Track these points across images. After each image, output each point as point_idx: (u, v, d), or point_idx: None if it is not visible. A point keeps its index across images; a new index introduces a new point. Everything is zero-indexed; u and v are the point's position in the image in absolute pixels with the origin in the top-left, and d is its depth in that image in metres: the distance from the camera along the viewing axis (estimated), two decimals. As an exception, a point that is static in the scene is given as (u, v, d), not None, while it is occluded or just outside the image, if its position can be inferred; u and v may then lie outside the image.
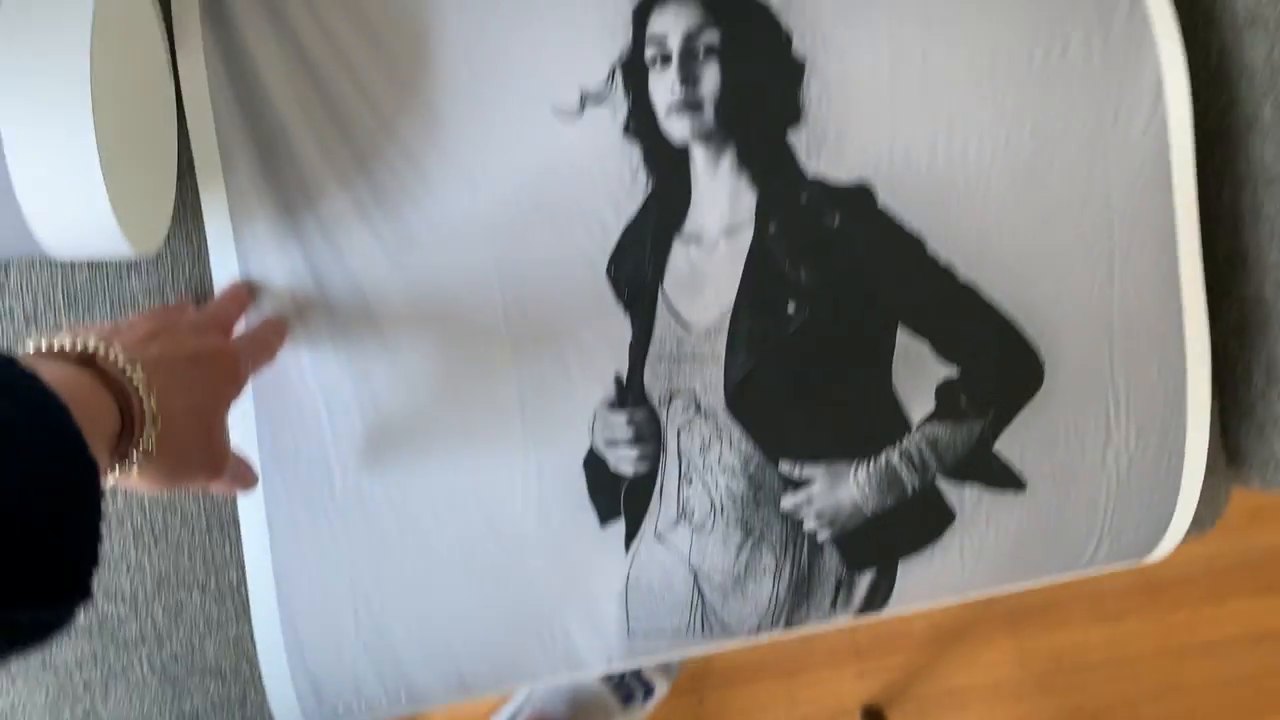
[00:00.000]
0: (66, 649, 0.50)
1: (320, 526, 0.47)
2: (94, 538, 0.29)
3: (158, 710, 0.51)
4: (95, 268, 0.48)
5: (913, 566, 0.52)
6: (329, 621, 0.48)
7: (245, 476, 0.44)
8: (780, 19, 0.50)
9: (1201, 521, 0.55)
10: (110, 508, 0.49)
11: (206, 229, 0.47)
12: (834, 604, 0.52)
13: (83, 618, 0.50)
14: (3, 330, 0.48)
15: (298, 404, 0.47)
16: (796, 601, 0.51)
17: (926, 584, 0.52)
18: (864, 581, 0.52)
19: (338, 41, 0.47)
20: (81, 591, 0.28)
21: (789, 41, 0.49)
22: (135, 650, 0.50)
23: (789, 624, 0.52)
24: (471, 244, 0.47)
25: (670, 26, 0.49)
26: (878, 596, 0.52)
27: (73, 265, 0.48)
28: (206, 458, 0.39)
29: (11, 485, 0.26)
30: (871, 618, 0.54)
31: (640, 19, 0.49)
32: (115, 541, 0.49)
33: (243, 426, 0.47)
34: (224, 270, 0.47)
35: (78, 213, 0.39)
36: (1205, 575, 1.07)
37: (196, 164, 0.47)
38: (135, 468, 0.34)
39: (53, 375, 0.31)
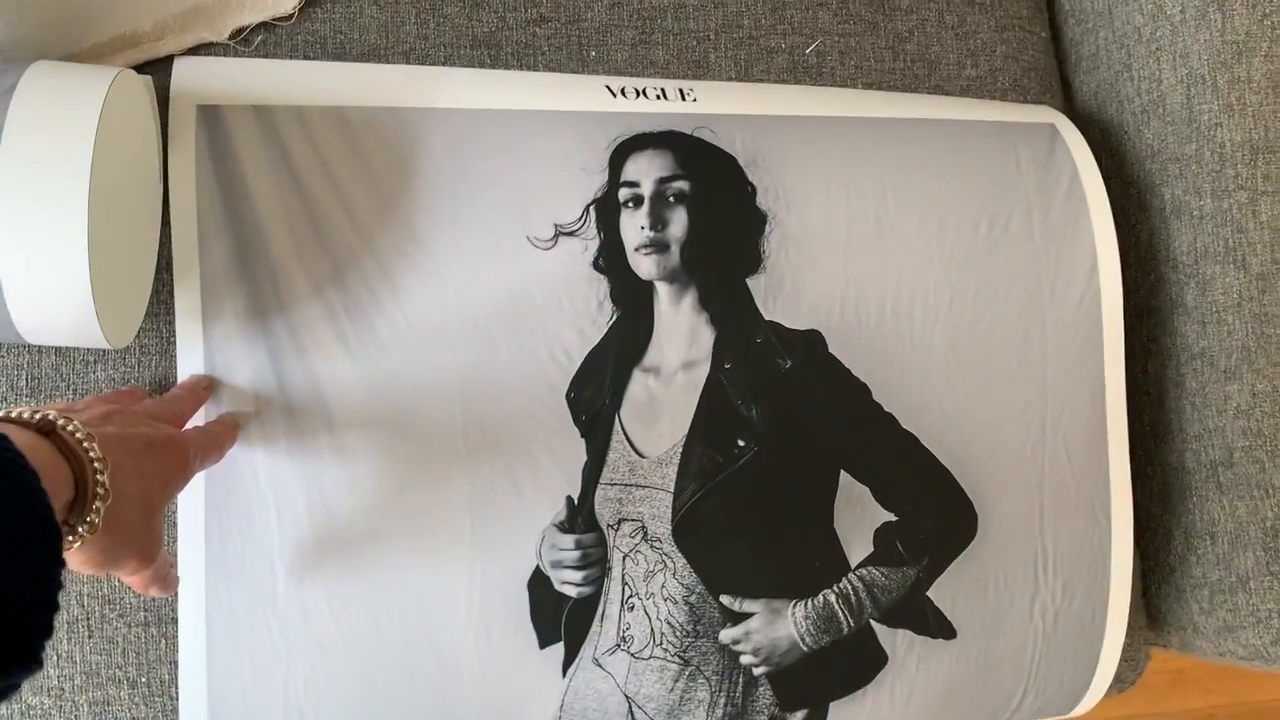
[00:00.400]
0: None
1: (259, 630, 0.47)
2: (52, 606, 0.29)
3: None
4: (62, 355, 0.49)
5: (844, 707, 0.52)
6: (256, 728, 0.47)
7: (169, 578, 0.43)
8: (747, 173, 0.53)
9: (1122, 680, 0.57)
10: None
11: (176, 324, 0.48)
12: (763, 742, 0.52)
13: (3, 708, 0.48)
14: None
15: (247, 504, 0.47)
16: (726, 737, 0.51)
17: (856, 726, 0.53)
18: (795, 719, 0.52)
19: (325, 156, 0.49)
20: (33, 661, 0.28)
21: (754, 194, 0.53)
22: (53, 748, 0.48)
23: (716, 760, 0.52)
24: (436, 357, 0.49)
25: (644, 173, 0.52)
26: (807, 737, 0.53)
27: (40, 352, 0.48)
28: (144, 543, 0.39)
29: None
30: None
31: (616, 162, 0.52)
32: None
33: (191, 523, 0.47)
34: (189, 364, 0.47)
35: (59, 304, 0.40)
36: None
37: (175, 260, 0.48)
38: (78, 542, 0.35)
39: (15, 439, 0.32)
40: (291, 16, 0.53)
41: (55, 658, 0.48)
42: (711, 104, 0.54)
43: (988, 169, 0.56)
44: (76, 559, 0.36)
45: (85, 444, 0.35)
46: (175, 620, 0.47)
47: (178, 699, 0.47)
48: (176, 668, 0.47)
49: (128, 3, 0.50)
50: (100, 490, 0.35)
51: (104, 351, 0.49)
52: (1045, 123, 0.59)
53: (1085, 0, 0.64)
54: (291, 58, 0.53)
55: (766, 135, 0.54)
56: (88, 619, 0.49)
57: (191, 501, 0.47)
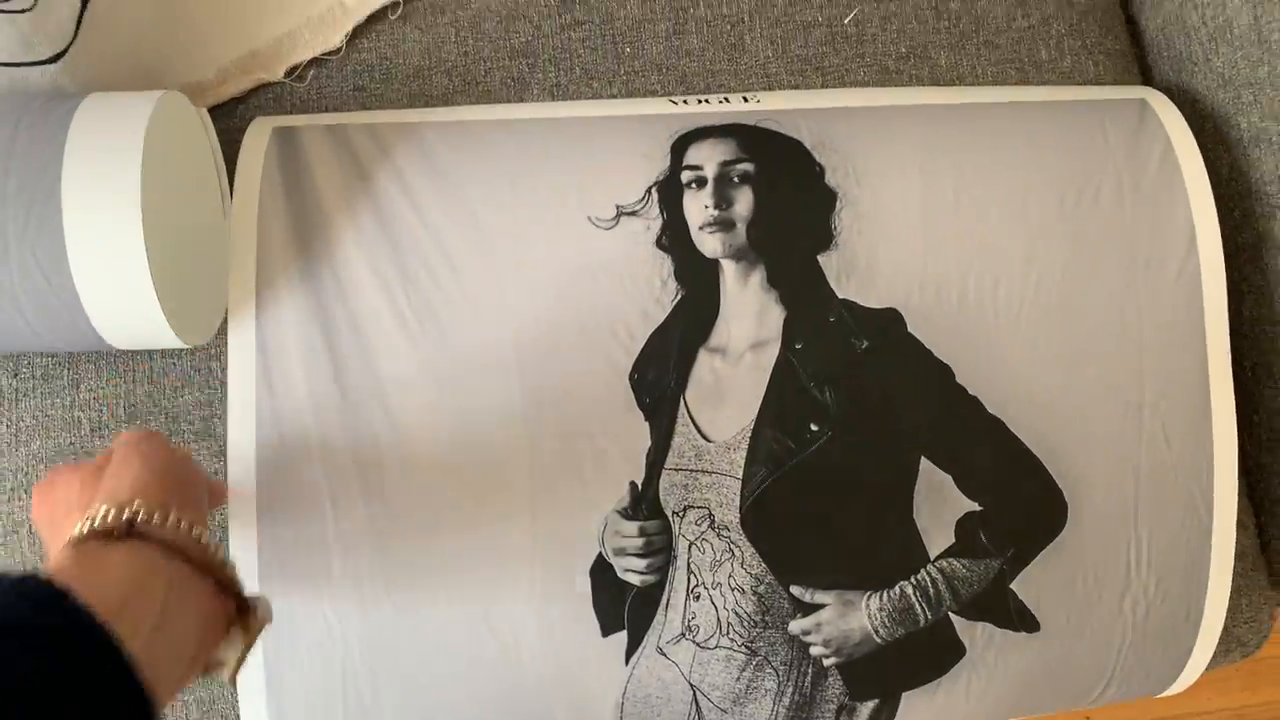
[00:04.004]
0: None
1: (315, 618, 0.46)
2: None
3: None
4: (153, 381, 0.51)
5: (916, 699, 0.50)
6: (317, 712, 0.47)
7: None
8: (814, 154, 0.50)
9: (1245, 644, 0.54)
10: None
11: (229, 308, 0.48)
12: (832, 732, 0.50)
13: None
14: (71, 440, 0.51)
15: (300, 490, 0.46)
16: (794, 727, 0.50)
17: (928, 717, 0.51)
18: (865, 710, 0.50)
19: (391, 156, 0.49)
20: None
21: (821, 173, 0.50)
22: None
23: (784, 750, 0.51)
24: (496, 338, 0.47)
25: (706, 157, 0.50)
26: (878, 728, 0.51)
27: (133, 380, 0.51)
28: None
29: None
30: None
31: (679, 149, 0.50)
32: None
33: (244, 511, 0.46)
34: (240, 343, 0.47)
35: (131, 308, 0.43)
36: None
37: (232, 252, 0.48)
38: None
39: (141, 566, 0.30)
40: (339, 50, 0.55)
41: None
42: (775, 103, 0.53)
43: (1073, 143, 0.52)
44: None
45: (215, 555, 0.33)
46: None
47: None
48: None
49: (192, 55, 0.53)
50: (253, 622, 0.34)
51: (192, 374, 0.51)
52: (1135, 98, 0.54)
53: None
54: (342, 88, 0.55)
55: (833, 123, 0.52)
56: None
57: (242, 489, 0.46)
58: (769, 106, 0.53)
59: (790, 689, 0.49)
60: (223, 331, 0.49)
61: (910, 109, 0.53)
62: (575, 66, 0.56)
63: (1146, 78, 0.62)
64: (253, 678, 0.46)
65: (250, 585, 0.46)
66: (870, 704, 0.50)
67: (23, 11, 0.46)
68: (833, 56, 0.57)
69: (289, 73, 0.55)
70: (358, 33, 0.55)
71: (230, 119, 0.53)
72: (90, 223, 0.42)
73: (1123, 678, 0.52)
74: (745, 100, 0.54)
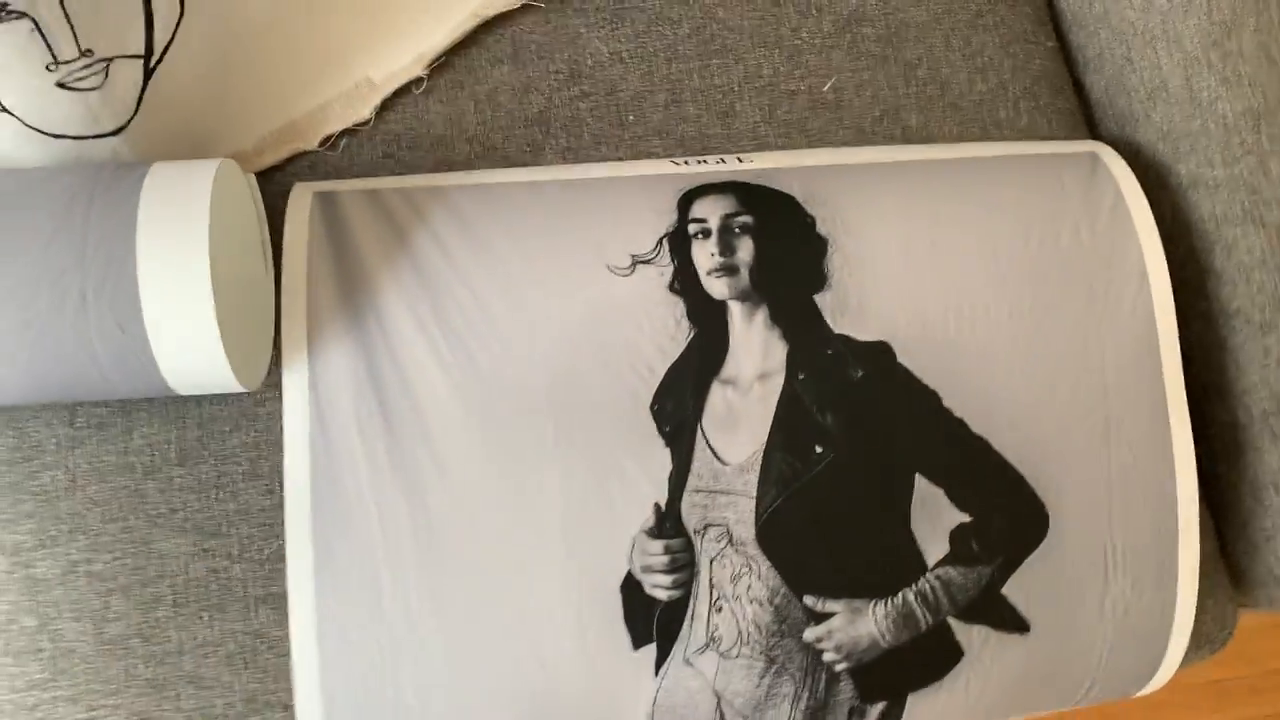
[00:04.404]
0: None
1: (368, 638, 0.50)
2: None
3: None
4: (203, 427, 0.55)
5: (921, 700, 0.54)
6: (370, 726, 0.50)
7: None
8: (805, 206, 0.56)
9: (1213, 641, 0.59)
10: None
11: (283, 351, 0.52)
12: (844, 734, 0.54)
13: None
14: (125, 484, 0.54)
15: (350, 517, 0.50)
16: (809, 731, 0.54)
17: (932, 717, 0.55)
18: (874, 712, 0.54)
19: (426, 217, 0.54)
20: None
21: (813, 223, 0.56)
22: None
23: (799, 754, 0.55)
24: (527, 378, 0.52)
25: (709, 211, 0.55)
26: (887, 729, 0.55)
27: (184, 427, 0.55)
28: None
29: None
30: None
31: (684, 205, 0.56)
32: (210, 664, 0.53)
33: (299, 539, 0.50)
34: (294, 384, 0.51)
35: (196, 355, 0.47)
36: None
37: (283, 303, 0.52)
38: None
39: None
40: (369, 121, 0.60)
41: (218, 687, 0.53)
42: (766, 163, 0.59)
43: (1034, 192, 0.58)
44: None
45: None
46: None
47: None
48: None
49: (235, 127, 0.58)
50: None
51: (239, 419, 0.55)
52: (1087, 151, 0.61)
53: (1084, 5, 0.67)
54: (372, 155, 0.60)
55: (820, 178, 0.58)
56: (242, 652, 0.54)
57: (299, 517, 0.50)
58: (761, 165, 0.59)
59: (806, 694, 0.53)
60: (268, 381, 0.54)
61: (888, 165, 0.60)
62: (584, 133, 0.62)
63: (1094, 133, 0.69)
64: (308, 695, 0.50)
65: (307, 610, 0.50)
66: (879, 706, 0.54)
67: (92, 90, 0.50)
68: (814, 120, 0.64)
69: (323, 142, 0.60)
70: (385, 105, 0.61)
71: (269, 184, 0.58)
72: (162, 276, 0.46)
73: (1107, 674, 0.57)
74: (740, 160, 0.59)
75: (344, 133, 0.60)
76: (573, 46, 0.63)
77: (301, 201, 0.55)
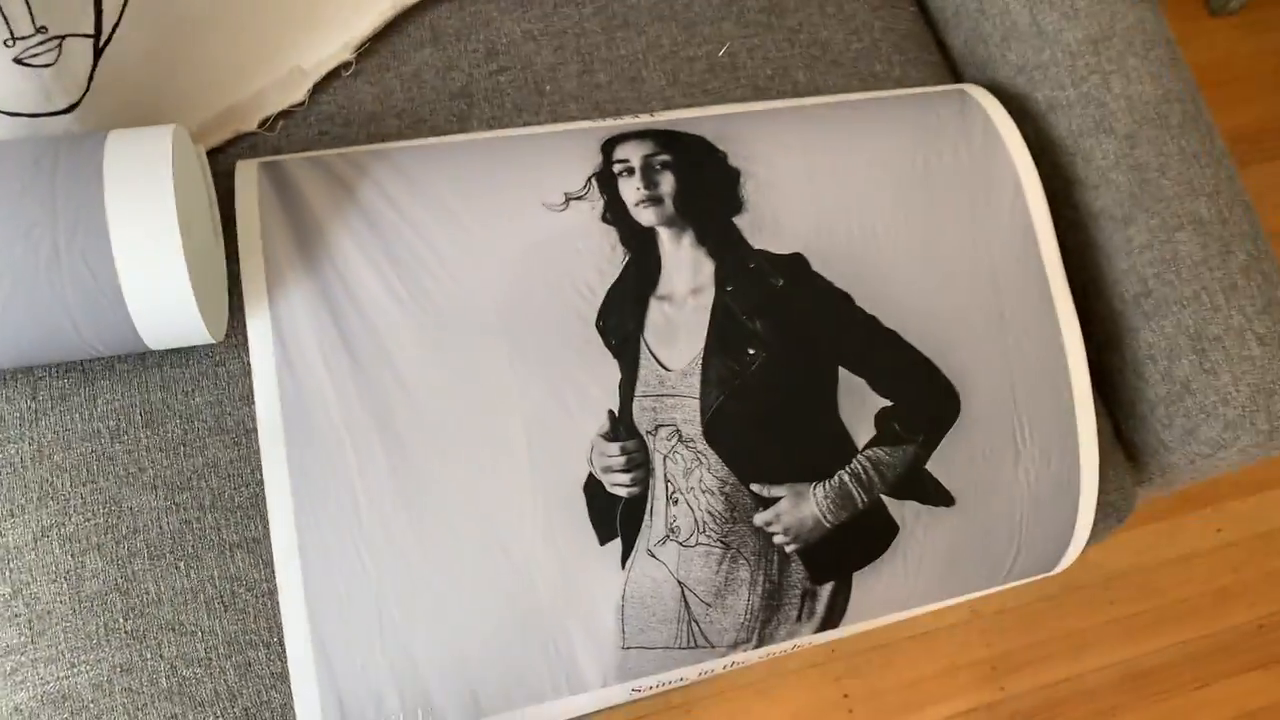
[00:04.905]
0: (152, 713, 0.54)
1: (349, 552, 0.52)
2: None
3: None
4: (165, 389, 0.58)
5: (865, 578, 0.59)
6: (356, 640, 0.52)
7: None
8: (716, 145, 0.62)
9: (1120, 511, 0.65)
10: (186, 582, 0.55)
11: (245, 300, 0.55)
12: (799, 615, 0.59)
13: (161, 677, 0.54)
14: (93, 449, 0.56)
15: (326, 445, 0.53)
16: (768, 615, 0.58)
17: (878, 595, 0.60)
18: (825, 591, 0.59)
19: (370, 171, 0.58)
20: None
21: (725, 157, 0.62)
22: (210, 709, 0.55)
23: (760, 639, 0.58)
24: (480, 306, 0.56)
25: (631, 153, 0.61)
26: (836, 608, 0.59)
27: (147, 390, 0.57)
28: None
29: None
30: (830, 635, 0.61)
31: (608, 150, 0.61)
32: (189, 610, 0.55)
33: (276, 467, 0.53)
34: (258, 328, 0.54)
35: (170, 310, 0.51)
36: (1186, 660, 1.17)
37: (241, 256, 0.56)
38: None
39: None
40: (303, 103, 0.65)
41: (199, 632, 0.54)
42: (676, 115, 0.66)
43: (914, 124, 0.66)
44: None
45: None
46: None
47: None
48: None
49: (179, 110, 0.62)
50: None
51: (200, 379, 0.58)
52: (956, 90, 0.69)
53: None
54: (308, 134, 0.65)
55: (727, 123, 0.64)
56: (220, 596, 0.55)
57: (273, 448, 0.53)
58: (672, 117, 0.65)
59: (761, 577, 0.57)
60: (225, 343, 0.57)
61: (786, 110, 0.66)
62: (506, 103, 0.67)
63: (959, 81, 0.77)
64: (294, 612, 0.52)
65: (288, 530, 0.52)
66: (828, 587, 0.59)
67: (46, 66, 0.53)
68: (714, 81, 0.70)
69: (261, 124, 0.64)
70: (318, 88, 0.65)
71: (215, 164, 0.62)
72: (131, 223, 0.49)
73: (1028, 543, 0.63)
74: (651, 116, 0.65)
75: (281, 114, 0.64)
76: (487, 29, 0.69)
77: (248, 171, 0.59)
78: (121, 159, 0.51)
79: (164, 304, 0.51)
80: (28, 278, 0.49)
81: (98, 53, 0.55)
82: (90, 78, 0.56)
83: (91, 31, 0.55)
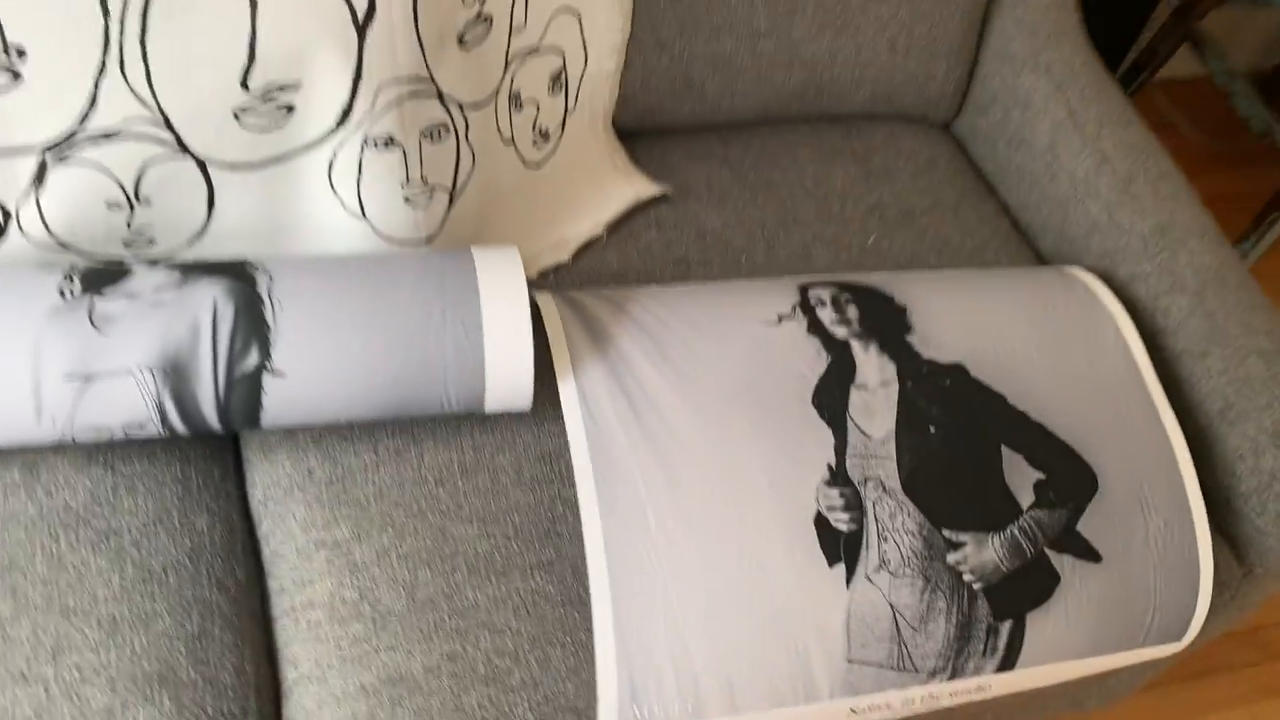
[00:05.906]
0: (472, 694, 0.66)
1: (643, 561, 0.66)
2: None
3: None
4: (477, 450, 0.75)
5: (1036, 620, 0.72)
6: (645, 632, 0.65)
7: None
8: (883, 289, 0.82)
9: (1228, 586, 0.78)
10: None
11: (559, 381, 0.73)
12: (985, 649, 0.70)
13: (482, 669, 0.66)
14: (422, 491, 0.71)
15: (621, 480, 0.69)
16: (960, 645, 0.70)
17: (1046, 638, 0.72)
18: (1005, 629, 0.71)
19: (632, 297, 0.79)
20: None
21: (891, 297, 0.82)
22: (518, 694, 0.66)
23: (954, 671, 0.70)
24: (724, 385, 0.73)
25: (822, 291, 0.81)
26: (1014, 647, 0.71)
27: (462, 448, 0.74)
28: None
29: None
30: (1007, 679, 0.72)
31: (804, 290, 0.81)
32: (500, 613, 0.68)
33: (587, 493, 0.68)
34: (569, 395, 0.71)
35: (514, 384, 0.68)
36: None
37: (553, 350, 0.74)
38: None
39: None
40: (567, 262, 0.88)
41: (508, 631, 0.67)
42: (845, 277, 0.86)
43: (1032, 282, 0.87)
44: None
45: None
46: (584, 601, 0.68)
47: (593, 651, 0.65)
48: (593, 634, 0.65)
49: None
50: None
51: (502, 444, 0.74)
52: (1055, 267, 0.90)
53: (1027, 196, 1.00)
54: (570, 286, 0.84)
55: (889, 278, 0.85)
56: (524, 604, 0.68)
57: (585, 481, 0.68)
58: (843, 278, 0.85)
59: (955, 609, 0.70)
60: (525, 416, 0.73)
61: (932, 274, 0.87)
62: (713, 269, 0.88)
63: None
64: (602, 609, 0.65)
65: (598, 543, 0.67)
66: (1007, 625, 0.71)
67: (420, 208, 0.74)
68: (866, 262, 0.92)
69: (537, 276, 0.84)
70: (577, 255, 0.86)
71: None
72: (496, 296, 0.67)
73: (1162, 607, 0.75)
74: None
75: (550, 270, 0.85)
76: (695, 220, 0.91)
77: (544, 295, 0.78)
78: (487, 256, 0.70)
79: (510, 353, 0.67)
80: (420, 335, 0.67)
81: (451, 200, 0.77)
82: (444, 219, 0.77)
83: (449, 185, 0.76)
